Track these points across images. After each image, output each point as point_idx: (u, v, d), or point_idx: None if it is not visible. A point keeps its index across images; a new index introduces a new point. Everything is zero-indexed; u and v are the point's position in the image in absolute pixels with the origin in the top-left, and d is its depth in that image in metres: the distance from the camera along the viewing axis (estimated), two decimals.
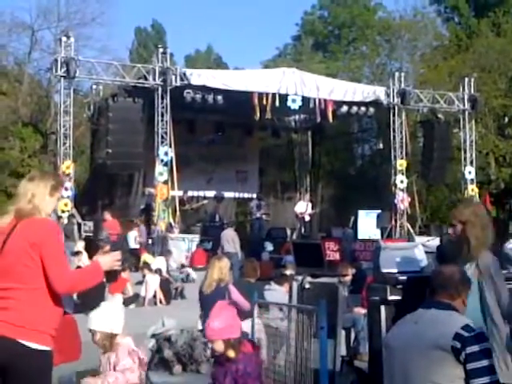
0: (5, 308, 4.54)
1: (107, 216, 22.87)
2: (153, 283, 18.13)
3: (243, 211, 32.77)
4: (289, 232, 28.28)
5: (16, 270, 4.57)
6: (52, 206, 4.86)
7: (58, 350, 4.78)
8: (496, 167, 35.81)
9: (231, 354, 5.60)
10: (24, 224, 4.65)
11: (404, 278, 6.94)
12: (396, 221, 26.93)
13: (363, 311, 10.56)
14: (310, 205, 28.70)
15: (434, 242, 20.63)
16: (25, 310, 4.53)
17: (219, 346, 5.61)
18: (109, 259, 5.05)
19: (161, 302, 18.06)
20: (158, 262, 20.21)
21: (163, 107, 23.50)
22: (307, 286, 7.89)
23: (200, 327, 9.46)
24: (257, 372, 5.69)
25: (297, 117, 31.33)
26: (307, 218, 28.41)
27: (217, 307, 5.96)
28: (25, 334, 4.51)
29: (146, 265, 19.38)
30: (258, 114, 24.12)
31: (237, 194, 31.08)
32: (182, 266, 21.58)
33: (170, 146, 23.57)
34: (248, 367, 5.58)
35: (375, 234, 25.72)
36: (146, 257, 21.07)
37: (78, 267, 18.40)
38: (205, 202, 28.80)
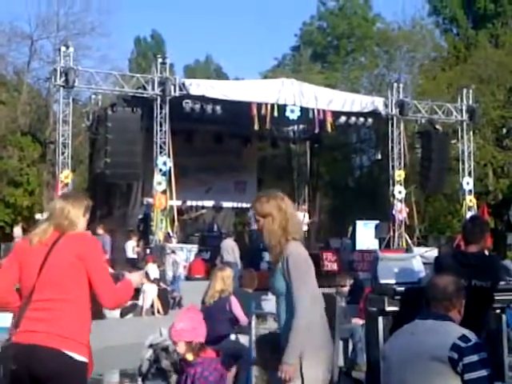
0: (49, 319, 4.62)
1: (99, 231, 22.87)
2: (151, 293, 18.11)
3: (241, 221, 32.75)
4: None
5: (60, 281, 4.67)
6: (84, 225, 5.00)
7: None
8: (494, 178, 35.86)
9: (190, 357, 5.71)
10: (68, 237, 4.78)
11: (402, 288, 6.95)
12: (394, 231, 26.90)
13: (361, 322, 10.57)
14: (306, 215, 28.68)
15: (432, 252, 20.58)
16: (68, 321, 4.65)
17: (181, 348, 5.73)
18: (137, 277, 5.29)
19: (158, 311, 18.05)
20: (154, 271, 20.20)
21: (162, 117, 23.51)
22: None
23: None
24: (216, 378, 5.74)
25: (295, 127, 31.33)
26: (305, 228, 28.39)
27: (185, 310, 6.09)
28: (69, 345, 4.61)
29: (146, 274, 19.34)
30: (257, 125, 24.13)
31: (235, 204, 31.05)
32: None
33: (169, 156, 23.57)
34: (205, 371, 5.67)
35: (373, 244, 25.70)
36: (150, 266, 20.98)
37: None
38: (203, 211, 28.79)
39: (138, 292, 18.54)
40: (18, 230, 27.69)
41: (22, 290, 4.76)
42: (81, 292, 4.74)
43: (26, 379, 4.57)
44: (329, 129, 25.59)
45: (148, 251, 23.22)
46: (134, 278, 5.19)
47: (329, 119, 25.30)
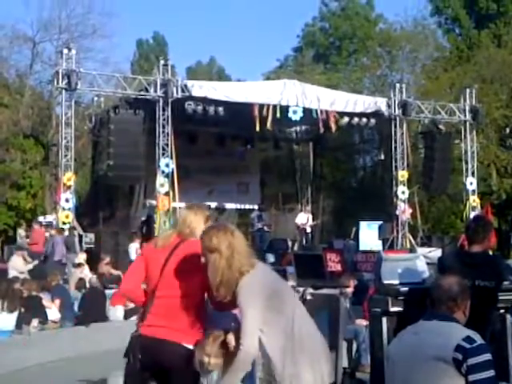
0: (170, 315, 5.14)
1: (35, 226, 22.92)
2: None
3: (244, 223, 32.73)
4: (290, 243, 28.22)
5: (178, 281, 5.18)
6: (199, 228, 5.39)
7: None
8: (497, 178, 35.82)
9: None
10: (187, 242, 5.30)
11: (406, 289, 6.92)
12: (398, 232, 26.91)
13: (365, 323, 10.54)
14: (310, 216, 28.66)
15: (436, 253, 20.59)
16: (186, 316, 5.14)
17: None
18: None
19: None
20: None
21: (164, 119, 23.52)
22: (308, 297, 7.86)
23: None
24: None
25: (298, 128, 31.35)
26: (308, 230, 28.38)
27: None
28: (187, 338, 5.11)
29: None
30: (258, 126, 24.13)
31: (238, 206, 31.05)
32: None
33: (171, 158, 23.59)
34: None
35: (377, 245, 25.68)
36: None
37: (81, 279, 18.45)
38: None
39: None
40: (22, 232, 27.69)
41: (148, 287, 5.32)
42: (197, 290, 5.20)
43: (151, 368, 5.20)
44: (334, 128, 25.59)
45: None
46: None
47: (332, 119, 25.30)
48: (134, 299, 5.74)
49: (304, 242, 28.16)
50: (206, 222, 5.48)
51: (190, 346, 5.09)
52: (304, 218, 28.18)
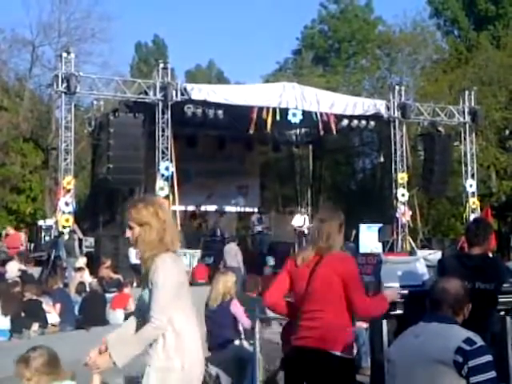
0: (314, 327, 5.52)
1: (9, 231, 22.93)
2: None
3: (244, 226, 32.73)
4: (291, 246, 28.21)
5: (322, 294, 5.52)
6: (340, 240, 5.82)
7: None
8: (497, 180, 35.83)
9: None
10: (329, 257, 5.59)
11: (406, 291, 6.93)
12: (397, 234, 26.88)
13: (365, 325, 10.52)
14: (307, 218, 28.63)
15: (436, 255, 20.55)
16: (332, 327, 5.46)
17: None
18: (391, 293, 6.18)
19: None
20: None
21: (164, 122, 23.51)
22: None
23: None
24: None
25: (297, 131, 31.35)
26: (306, 232, 28.35)
27: None
28: (335, 346, 5.45)
29: None
30: (254, 129, 24.10)
31: (238, 209, 31.05)
32: None
33: (171, 161, 23.57)
34: None
35: (377, 247, 25.65)
36: None
37: (81, 283, 18.43)
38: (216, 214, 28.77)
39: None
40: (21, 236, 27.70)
41: (295, 300, 5.76)
42: (339, 302, 5.52)
43: (306, 377, 5.59)
44: (334, 131, 25.59)
45: None
46: (389, 293, 6.12)
47: (333, 122, 25.30)
48: (278, 311, 6.05)
49: (304, 243, 28.14)
50: (340, 230, 5.78)
51: (339, 353, 5.44)
52: (300, 221, 28.13)
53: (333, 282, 5.50)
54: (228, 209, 30.18)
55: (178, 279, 4.71)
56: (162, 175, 23.42)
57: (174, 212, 23.92)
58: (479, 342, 4.26)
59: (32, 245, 28.00)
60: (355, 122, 26.11)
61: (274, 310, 6.12)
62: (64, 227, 22.26)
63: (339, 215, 5.86)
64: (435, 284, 4.87)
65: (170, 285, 4.62)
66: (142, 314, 4.78)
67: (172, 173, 23.52)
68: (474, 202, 28.18)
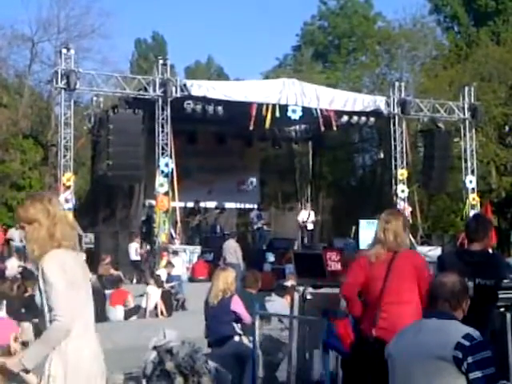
0: (392, 318, 5.98)
1: None
2: (154, 295, 18.09)
3: (244, 222, 32.72)
4: (290, 242, 28.24)
5: (399, 287, 6.08)
6: (407, 239, 6.53)
7: None
8: (497, 176, 35.82)
9: None
10: (403, 254, 6.21)
11: None
12: None
13: None
14: (312, 213, 28.66)
15: (436, 251, 20.60)
16: (407, 318, 5.69)
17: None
18: None
19: (162, 313, 18.02)
20: (163, 273, 20.22)
21: (163, 118, 23.51)
22: (309, 296, 7.87)
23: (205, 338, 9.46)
24: None
25: (297, 127, 31.32)
26: (310, 227, 28.36)
27: None
28: None
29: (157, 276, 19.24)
30: (253, 125, 24.10)
31: (238, 205, 31.03)
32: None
33: (171, 157, 23.58)
34: None
35: None
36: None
37: None
38: (217, 211, 28.73)
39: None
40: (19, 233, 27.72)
41: (370, 295, 6.22)
42: (414, 296, 6.05)
43: (376, 367, 5.70)
44: (334, 126, 25.58)
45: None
46: None
47: (333, 118, 25.30)
48: (351, 303, 6.45)
49: (305, 240, 28.19)
50: (404, 229, 6.37)
51: None
52: (305, 215, 28.19)
53: (409, 276, 6.10)
54: (228, 205, 30.16)
55: (67, 277, 4.36)
56: (162, 171, 23.42)
57: (174, 209, 23.97)
58: (478, 337, 4.25)
59: None
60: (355, 118, 26.10)
61: (348, 300, 6.47)
62: None
63: (403, 216, 6.67)
64: (434, 280, 4.87)
65: (62, 283, 4.32)
66: (42, 315, 4.48)
67: (172, 169, 23.53)
68: (473, 198, 28.18)
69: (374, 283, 6.16)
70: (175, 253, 22.33)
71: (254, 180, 31.21)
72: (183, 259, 22.97)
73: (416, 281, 6.09)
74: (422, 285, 5.92)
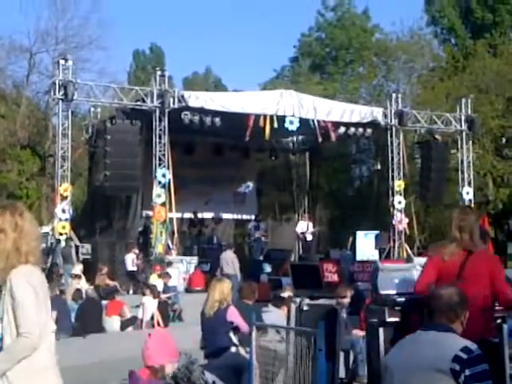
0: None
1: None
2: (150, 305, 18.06)
3: (241, 233, 32.73)
4: (287, 253, 28.25)
5: (472, 284, 5.90)
6: (478, 233, 6.34)
7: None
8: (494, 188, 35.83)
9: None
10: (478, 253, 6.16)
11: (402, 299, 6.92)
12: (394, 242, 26.89)
13: (362, 333, 10.51)
14: (310, 224, 28.67)
15: None
16: (481, 314, 5.83)
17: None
18: None
19: (158, 324, 17.97)
20: (159, 284, 20.17)
21: (161, 129, 23.52)
22: (305, 307, 7.86)
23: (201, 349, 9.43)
24: None
25: (294, 138, 31.38)
26: (309, 238, 28.35)
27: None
28: (487, 333, 5.88)
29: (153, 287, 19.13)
30: (250, 136, 24.11)
31: (235, 216, 31.04)
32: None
33: (168, 168, 23.57)
34: None
35: (373, 254, 25.67)
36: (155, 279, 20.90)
37: (78, 290, 18.42)
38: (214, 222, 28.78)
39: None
40: None
41: None
42: (486, 293, 6.03)
43: None
44: (333, 138, 25.63)
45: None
46: None
47: (331, 129, 25.34)
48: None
49: (301, 251, 28.22)
50: (477, 220, 6.49)
51: (490, 339, 5.82)
52: (304, 226, 28.20)
53: (482, 274, 6.04)
54: (225, 216, 30.17)
55: (36, 294, 4.26)
56: (159, 182, 23.41)
57: (171, 219, 23.95)
58: (476, 350, 4.25)
59: None
60: (352, 129, 26.12)
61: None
62: (61, 234, 22.27)
63: (476, 214, 6.63)
64: (431, 292, 4.88)
65: (31, 299, 4.22)
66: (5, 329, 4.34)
67: (169, 180, 23.53)
68: None
69: (446, 280, 6.04)
70: (169, 264, 22.27)
71: (251, 184, 31.19)
72: (180, 270, 22.95)
73: (488, 279, 6.06)
74: (497, 286, 6.02)
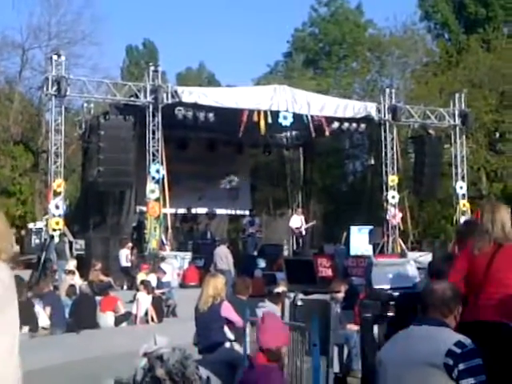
0: (491, 304, 5.91)
1: None
2: (144, 301, 18.03)
3: (235, 228, 32.73)
4: (281, 248, 28.25)
5: (500, 278, 5.95)
6: (509, 226, 6.24)
7: None
8: (487, 182, 35.92)
9: None
10: (507, 247, 6.06)
11: (396, 294, 6.93)
12: (388, 236, 26.93)
13: (356, 327, 10.53)
14: (303, 218, 28.66)
15: (426, 257, 20.62)
16: (506, 303, 5.83)
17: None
18: None
19: (153, 319, 17.95)
20: (153, 279, 20.12)
21: (154, 125, 23.49)
22: (299, 303, 7.86)
23: (194, 345, 9.42)
24: None
25: (288, 133, 31.36)
26: (304, 233, 28.36)
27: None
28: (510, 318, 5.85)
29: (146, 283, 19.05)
30: (244, 131, 24.10)
31: (229, 211, 31.03)
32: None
33: (162, 164, 23.54)
34: None
35: (367, 249, 25.68)
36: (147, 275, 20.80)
37: (72, 286, 18.39)
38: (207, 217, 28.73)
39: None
40: None
41: (472, 284, 6.07)
42: None
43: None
44: (327, 134, 25.64)
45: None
46: None
47: (325, 124, 25.34)
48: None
49: (295, 247, 28.20)
50: (509, 216, 6.30)
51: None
52: (298, 221, 28.19)
53: (510, 267, 6.02)
54: (219, 211, 30.16)
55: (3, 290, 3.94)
56: (153, 178, 23.39)
57: (165, 215, 23.93)
58: (470, 345, 4.25)
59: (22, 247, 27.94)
60: (346, 124, 26.13)
61: None
62: (54, 230, 22.22)
63: (507, 207, 6.43)
64: (425, 287, 4.87)
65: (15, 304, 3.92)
66: None
67: (163, 175, 23.50)
68: (464, 205, 28.26)
69: (475, 274, 6.07)
70: (163, 259, 22.25)
71: (235, 178, 31.11)
72: (174, 265, 22.94)
73: None
74: None
